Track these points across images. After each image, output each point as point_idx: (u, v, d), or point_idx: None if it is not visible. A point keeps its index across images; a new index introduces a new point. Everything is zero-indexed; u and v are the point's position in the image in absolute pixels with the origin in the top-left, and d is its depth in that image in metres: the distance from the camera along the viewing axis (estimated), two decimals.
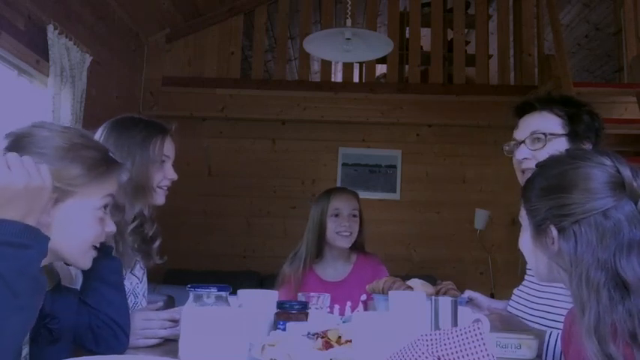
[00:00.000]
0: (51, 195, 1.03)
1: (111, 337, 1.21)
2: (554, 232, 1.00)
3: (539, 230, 1.04)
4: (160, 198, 1.67)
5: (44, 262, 1.04)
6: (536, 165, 1.14)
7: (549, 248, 1.02)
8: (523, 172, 1.57)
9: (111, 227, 1.18)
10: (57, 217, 1.07)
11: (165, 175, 1.66)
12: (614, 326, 0.89)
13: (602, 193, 0.97)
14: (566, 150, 1.12)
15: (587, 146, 1.53)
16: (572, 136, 1.53)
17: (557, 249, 1.00)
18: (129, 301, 1.63)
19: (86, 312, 1.22)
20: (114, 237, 1.53)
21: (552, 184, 1.03)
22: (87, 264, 1.16)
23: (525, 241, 1.09)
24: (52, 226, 1.06)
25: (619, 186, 0.97)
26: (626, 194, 0.97)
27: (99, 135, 1.64)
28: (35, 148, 1.07)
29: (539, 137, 1.54)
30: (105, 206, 1.15)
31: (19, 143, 1.07)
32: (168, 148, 1.68)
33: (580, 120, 1.55)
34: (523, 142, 1.56)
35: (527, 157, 1.56)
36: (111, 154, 1.20)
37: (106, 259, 1.25)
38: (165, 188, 1.68)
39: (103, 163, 1.15)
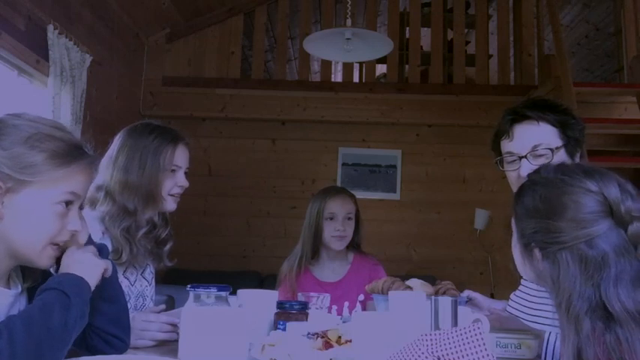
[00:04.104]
0: (2, 184, 1.01)
1: (104, 346, 1.19)
2: (538, 254, 1.00)
3: (526, 248, 1.03)
4: (170, 205, 1.69)
5: (3, 263, 1.05)
6: (528, 176, 1.10)
7: (535, 266, 1.02)
8: None
9: (74, 225, 1.09)
10: (11, 208, 1.02)
11: (176, 183, 1.68)
12: (597, 357, 0.87)
13: (587, 222, 0.94)
14: (557, 166, 1.07)
15: (579, 153, 1.51)
16: (569, 145, 1.50)
17: (541, 270, 0.99)
18: (137, 302, 1.65)
19: None
20: (126, 240, 1.55)
21: (539, 207, 1.01)
22: (45, 263, 1.08)
23: (515, 249, 1.09)
24: (6, 218, 1.02)
25: (606, 214, 0.95)
26: (613, 221, 0.94)
27: (116, 141, 1.67)
28: None
29: (544, 153, 1.48)
30: (67, 202, 1.07)
31: None
32: (180, 157, 1.69)
33: (571, 126, 1.51)
34: (524, 157, 1.50)
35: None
36: (84, 149, 1.11)
37: None
38: (177, 195, 1.70)
39: (66, 155, 1.06)
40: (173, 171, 1.67)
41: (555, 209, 0.98)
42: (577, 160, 1.54)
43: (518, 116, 1.54)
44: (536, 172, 1.10)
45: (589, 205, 0.95)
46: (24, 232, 1.04)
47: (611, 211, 0.95)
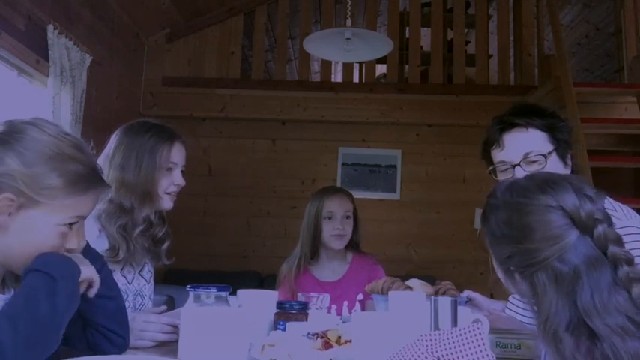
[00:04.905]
0: (15, 199, 1.01)
1: (104, 341, 1.19)
2: (518, 277, 0.99)
3: (506, 273, 1.03)
4: (166, 203, 1.69)
5: None
6: (487, 199, 1.08)
7: (518, 287, 1.02)
8: None
9: (72, 244, 1.10)
10: (16, 222, 1.03)
11: (172, 182, 1.68)
12: None
13: (557, 237, 0.93)
14: (510, 186, 1.04)
15: (569, 155, 1.52)
16: (560, 148, 1.50)
17: (522, 290, 0.99)
18: (136, 301, 1.65)
19: (79, 318, 1.19)
20: (122, 237, 1.55)
21: (505, 232, 1.00)
22: None
23: (498, 272, 1.08)
24: (10, 230, 1.03)
25: (568, 226, 0.94)
26: (577, 230, 0.93)
27: (113, 140, 1.67)
28: (18, 147, 1.03)
29: (537, 159, 1.48)
30: (71, 224, 1.08)
31: (6, 137, 1.05)
32: (176, 155, 1.69)
33: (559, 129, 1.51)
34: (518, 165, 1.50)
35: None
36: (99, 172, 1.14)
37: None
38: (173, 194, 1.70)
39: (83, 181, 1.08)
40: (169, 169, 1.67)
41: (523, 232, 0.97)
42: (569, 161, 1.53)
43: (506, 125, 1.54)
44: (492, 195, 1.07)
45: (554, 221, 0.95)
46: (25, 246, 1.05)
47: (573, 222, 0.94)
